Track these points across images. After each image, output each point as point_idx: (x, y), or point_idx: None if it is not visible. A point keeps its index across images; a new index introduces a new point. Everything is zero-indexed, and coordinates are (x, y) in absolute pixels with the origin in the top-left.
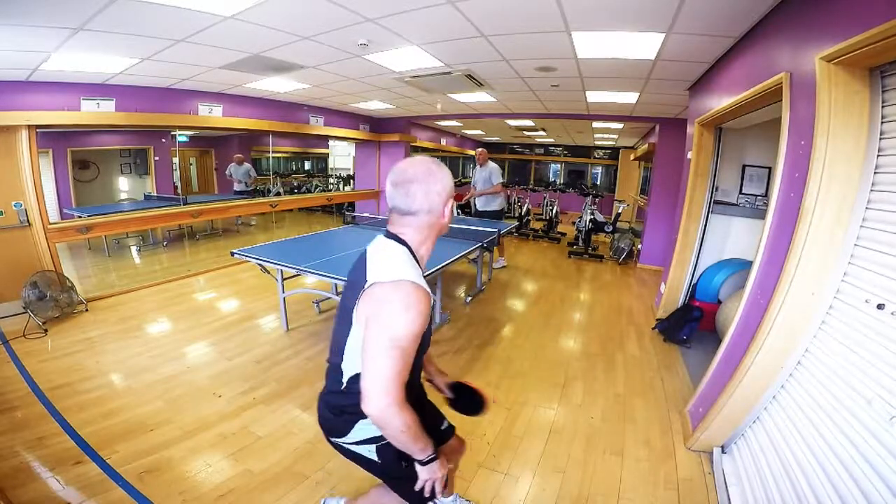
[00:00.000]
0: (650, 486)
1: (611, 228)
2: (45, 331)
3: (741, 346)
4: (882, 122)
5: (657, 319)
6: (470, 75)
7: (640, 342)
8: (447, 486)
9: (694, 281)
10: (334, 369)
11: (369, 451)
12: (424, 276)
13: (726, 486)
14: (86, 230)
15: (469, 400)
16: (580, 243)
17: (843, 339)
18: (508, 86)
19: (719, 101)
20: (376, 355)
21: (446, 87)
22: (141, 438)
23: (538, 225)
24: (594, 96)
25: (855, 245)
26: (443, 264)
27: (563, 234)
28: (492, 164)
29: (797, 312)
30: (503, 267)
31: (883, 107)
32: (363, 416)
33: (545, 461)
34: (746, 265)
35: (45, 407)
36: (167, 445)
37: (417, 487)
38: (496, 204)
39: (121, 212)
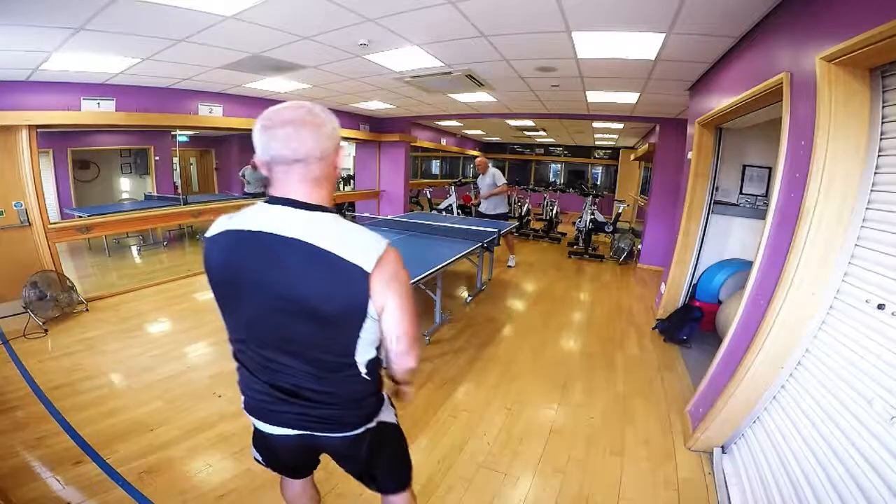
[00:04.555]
0: (650, 486)
1: (611, 228)
2: (46, 331)
3: (741, 346)
4: (882, 122)
5: (657, 319)
6: (470, 75)
7: (641, 342)
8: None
9: (694, 281)
10: (340, 374)
11: (392, 415)
12: (424, 276)
13: (726, 486)
14: (86, 230)
15: None
16: (580, 243)
17: (843, 339)
18: (509, 86)
19: (719, 102)
20: (406, 318)
21: (447, 87)
22: (141, 438)
23: (538, 225)
24: (594, 96)
25: (855, 245)
26: (443, 264)
27: (564, 235)
28: (493, 170)
29: (797, 313)
30: (513, 266)
31: (883, 107)
32: (380, 390)
33: (545, 461)
34: (747, 265)
35: (46, 407)
36: (167, 445)
37: (409, 398)
38: (503, 206)
39: (121, 212)
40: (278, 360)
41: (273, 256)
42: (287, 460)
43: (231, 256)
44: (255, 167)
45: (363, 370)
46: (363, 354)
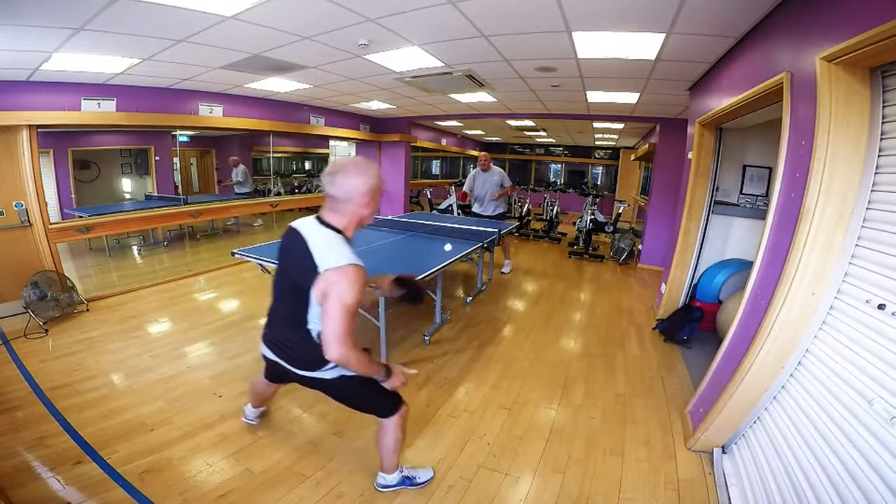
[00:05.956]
0: (650, 486)
1: (611, 229)
2: (46, 331)
3: (741, 346)
4: (882, 122)
5: (658, 320)
6: (470, 75)
7: (641, 342)
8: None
9: (694, 281)
10: (300, 330)
11: (345, 369)
12: (424, 276)
13: (727, 487)
14: (86, 230)
15: (413, 290)
16: (581, 243)
17: (843, 339)
18: (509, 86)
19: (720, 102)
20: (334, 318)
21: (447, 87)
22: (141, 438)
23: (539, 225)
24: (594, 96)
25: (856, 245)
26: (443, 264)
27: (564, 235)
28: (498, 168)
29: (798, 313)
30: (508, 272)
31: (884, 107)
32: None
33: (545, 461)
34: (747, 265)
35: (46, 407)
36: (168, 445)
37: (391, 387)
38: (503, 206)
39: (121, 212)
40: None
41: None
42: None
43: None
44: (235, 164)
45: (315, 338)
46: (313, 325)
